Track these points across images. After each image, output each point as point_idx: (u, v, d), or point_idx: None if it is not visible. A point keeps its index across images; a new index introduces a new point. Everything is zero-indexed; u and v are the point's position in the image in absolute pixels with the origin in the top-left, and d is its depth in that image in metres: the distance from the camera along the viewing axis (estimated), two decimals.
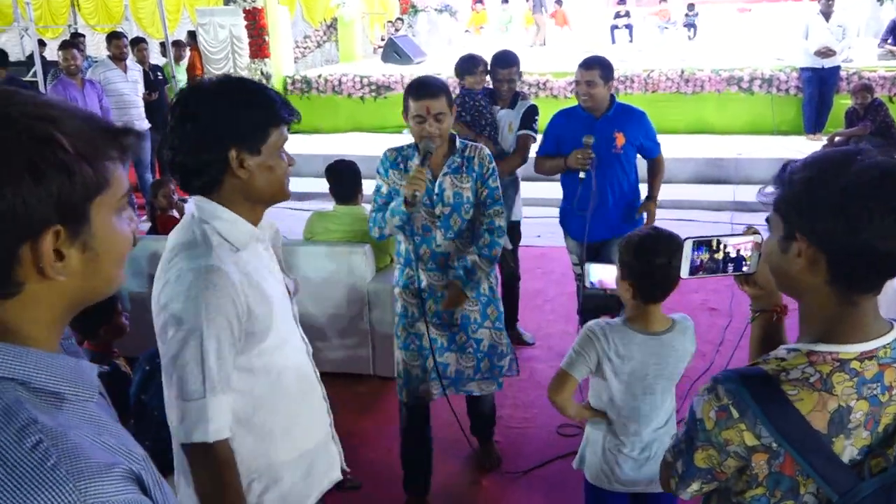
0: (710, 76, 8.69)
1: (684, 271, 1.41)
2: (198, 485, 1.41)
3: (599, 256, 3.47)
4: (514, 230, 4.05)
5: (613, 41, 14.73)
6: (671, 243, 1.90)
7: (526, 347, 4.27)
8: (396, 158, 2.65)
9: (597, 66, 3.42)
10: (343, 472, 1.74)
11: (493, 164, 2.68)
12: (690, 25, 14.74)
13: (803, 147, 7.56)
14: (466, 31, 15.52)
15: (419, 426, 2.88)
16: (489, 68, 4.10)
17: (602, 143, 3.44)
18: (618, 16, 15.12)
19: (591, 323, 2.08)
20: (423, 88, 2.50)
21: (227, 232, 1.45)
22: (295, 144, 9.49)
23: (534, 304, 4.85)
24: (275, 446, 1.52)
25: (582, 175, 3.41)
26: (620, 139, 3.50)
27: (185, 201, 7.57)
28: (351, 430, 2.91)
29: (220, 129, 1.40)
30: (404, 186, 2.46)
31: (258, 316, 1.44)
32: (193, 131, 1.40)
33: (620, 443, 2.10)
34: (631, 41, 14.65)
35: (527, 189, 5.30)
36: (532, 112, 4.03)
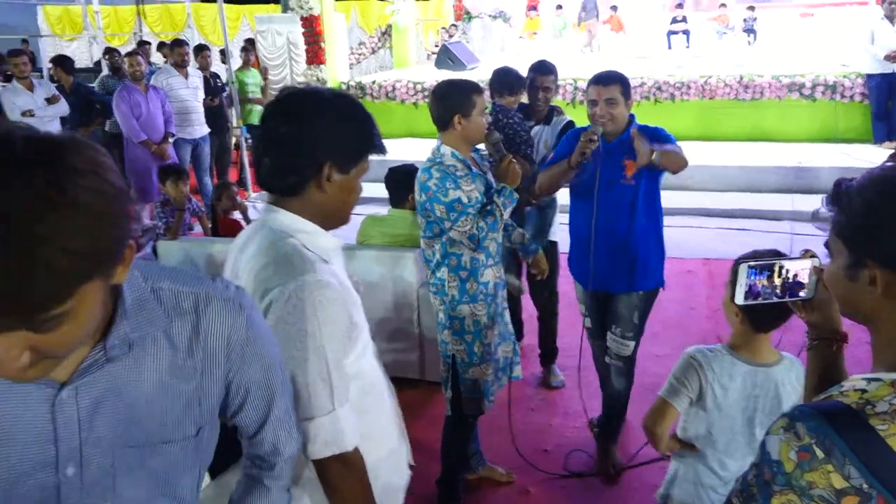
0: (771, 82, 8.48)
1: (739, 297, 1.36)
2: (338, 497, 1.42)
3: (608, 312, 3.11)
4: (551, 252, 3.76)
5: (670, 47, 14.51)
6: None
7: (573, 356, 4.22)
8: (448, 169, 2.59)
9: (617, 82, 2.92)
10: (410, 466, 1.77)
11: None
12: (750, 31, 14.42)
13: (871, 156, 7.31)
14: (520, 37, 15.49)
15: (468, 438, 2.97)
16: (525, 78, 3.77)
17: (609, 170, 2.93)
18: (675, 21, 14.89)
19: (691, 350, 1.96)
20: (480, 85, 2.65)
21: (314, 244, 1.44)
22: None
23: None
24: (372, 445, 1.53)
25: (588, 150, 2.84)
26: (631, 167, 2.88)
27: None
28: None
29: (325, 139, 1.41)
30: (514, 171, 2.63)
31: (356, 323, 1.46)
32: (300, 133, 1.40)
33: (716, 480, 1.96)
34: (688, 47, 14.41)
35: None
36: (569, 128, 3.63)
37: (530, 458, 3.21)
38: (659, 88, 8.81)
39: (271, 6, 16.82)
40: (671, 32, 14.79)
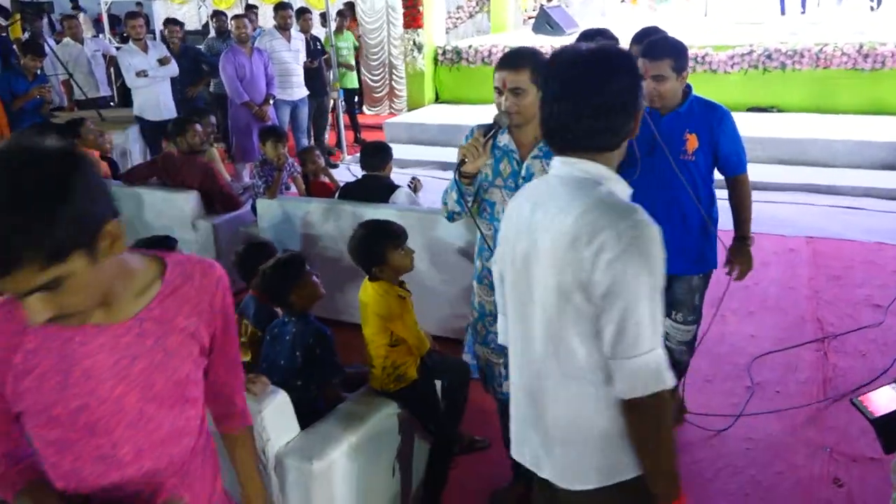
0: (894, 51, 7.88)
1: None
2: (651, 433, 1.45)
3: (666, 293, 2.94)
4: None
5: (783, 12, 13.66)
6: None
7: None
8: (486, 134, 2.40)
9: (667, 56, 2.70)
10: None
11: None
12: None
13: None
14: (622, 1, 14.96)
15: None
16: (618, 44, 3.26)
17: (668, 146, 2.76)
18: None
19: None
20: (505, 59, 2.34)
21: (620, 192, 1.50)
22: (443, 114, 9.63)
23: None
24: None
25: None
26: (693, 142, 2.76)
27: (334, 166, 7.92)
28: (477, 396, 2.96)
29: (636, 94, 1.48)
30: (460, 151, 2.32)
31: None
32: (627, 93, 1.46)
33: None
34: (803, 12, 13.53)
35: None
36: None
37: None
38: (769, 57, 8.34)
39: None
40: None
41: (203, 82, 7.91)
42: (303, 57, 7.54)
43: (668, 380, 1.41)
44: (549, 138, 1.53)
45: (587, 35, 3.49)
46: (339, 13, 9.44)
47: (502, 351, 2.48)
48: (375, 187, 4.23)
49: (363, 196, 4.21)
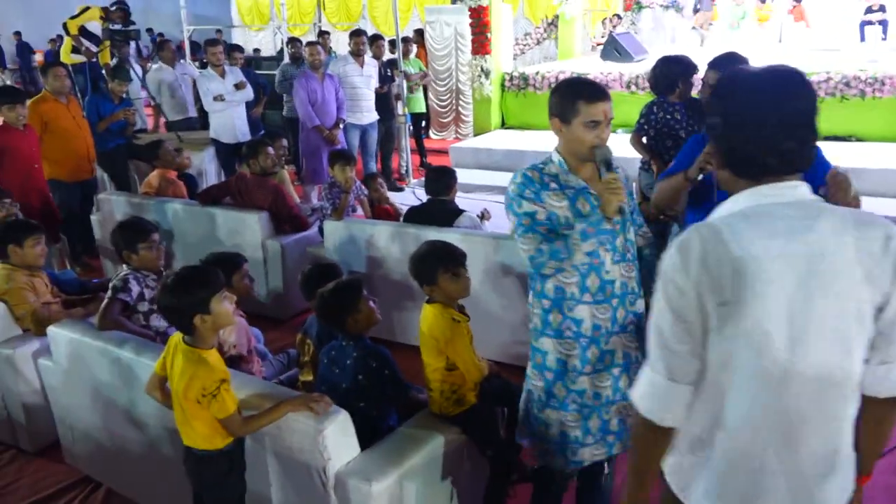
0: None
1: None
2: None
3: None
4: None
5: (863, 39, 13.25)
6: None
7: None
8: (542, 178, 2.27)
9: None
10: None
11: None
12: None
13: None
14: (693, 28, 14.77)
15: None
16: (697, 71, 3.39)
17: None
18: (869, 11, 13.56)
19: None
20: (598, 89, 2.21)
21: None
22: (509, 140, 9.65)
23: None
24: None
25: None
26: None
27: (400, 190, 8.04)
28: None
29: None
30: (607, 196, 2.13)
31: None
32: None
33: None
34: (884, 39, 13.08)
35: None
36: None
37: None
38: (847, 84, 8.08)
39: None
40: (865, 23, 13.48)
41: (261, 104, 8.24)
42: (375, 82, 7.70)
43: None
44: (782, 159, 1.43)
45: (668, 61, 3.47)
46: (405, 40, 9.64)
47: (580, 411, 2.32)
48: (440, 211, 4.27)
49: (427, 220, 4.26)
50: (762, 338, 1.36)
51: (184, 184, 5.86)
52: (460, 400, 2.67)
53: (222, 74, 7.18)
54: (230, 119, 7.16)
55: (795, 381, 1.39)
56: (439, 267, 2.66)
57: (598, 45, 12.67)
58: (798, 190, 1.44)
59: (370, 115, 7.64)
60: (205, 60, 8.26)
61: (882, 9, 13.51)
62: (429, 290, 2.70)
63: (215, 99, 7.03)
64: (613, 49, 10.66)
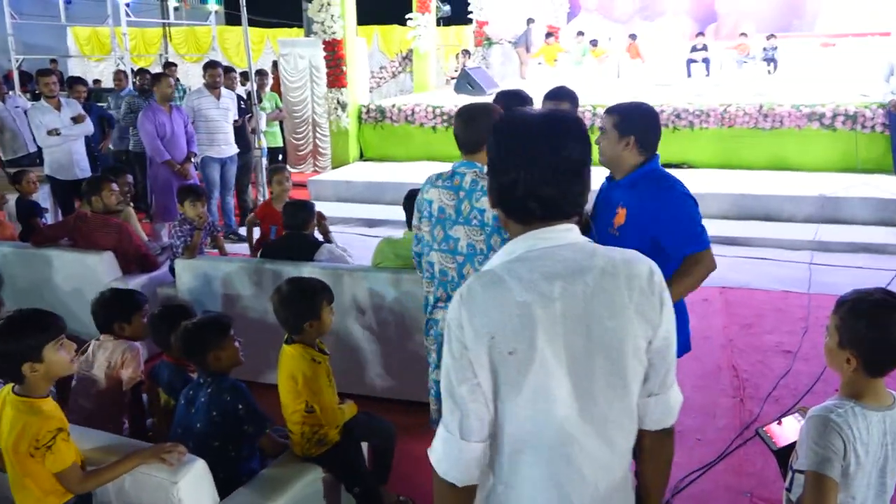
0: (790, 111, 8.45)
1: None
2: (667, 464, 1.59)
3: None
4: None
5: (689, 75, 14.52)
6: None
7: None
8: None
9: (614, 113, 2.58)
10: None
11: None
12: (770, 60, 14.40)
13: (891, 186, 7.25)
14: (539, 63, 15.57)
15: None
16: (532, 104, 3.42)
17: (600, 217, 2.66)
18: (695, 49, 14.90)
19: (819, 411, 1.75)
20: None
21: None
22: (368, 172, 9.68)
23: None
24: None
25: None
26: (620, 216, 2.55)
27: (256, 224, 7.80)
28: (406, 454, 2.92)
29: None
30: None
31: None
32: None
33: None
34: (708, 75, 14.41)
35: None
36: None
37: None
38: (678, 116, 8.81)
39: (294, 30, 17.09)
40: (691, 61, 14.80)
41: (108, 139, 7.82)
42: (233, 115, 7.48)
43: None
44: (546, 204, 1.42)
45: (504, 95, 3.59)
46: (259, 72, 9.48)
47: None
48: (298, 245, 4.19)
49: (285, 254, 4.16)
50: (548, 392, 1.35)
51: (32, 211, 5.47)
52: (322, 440, 2.60)
53: (58, 107, 6.71)
54: (67, 154, 6.69)
55: (580, 431, 1.38)
56: (324, 300, 2.61)
57: (452, 78, 13.05)
58: (571, 233, 1.43)
59: (230, 148, 7.39)
60: (37, 92, 7.70)
61: (704, 48, 14.88)
62: (310, 325, 2.62)
63: (50, 133, 6.55)
64: (466, 83, 11.02)
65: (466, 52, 14.72)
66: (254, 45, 14.24)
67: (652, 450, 1.54)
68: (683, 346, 2.66)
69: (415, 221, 2.75)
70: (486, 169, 2.24)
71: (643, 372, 1.44)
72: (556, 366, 1.34)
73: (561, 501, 1.40)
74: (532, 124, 1.43)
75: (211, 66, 7.39)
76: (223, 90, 7.39)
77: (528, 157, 1.39)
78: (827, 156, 8.37)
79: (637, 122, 2.57)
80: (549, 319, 1.34)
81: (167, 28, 18.74)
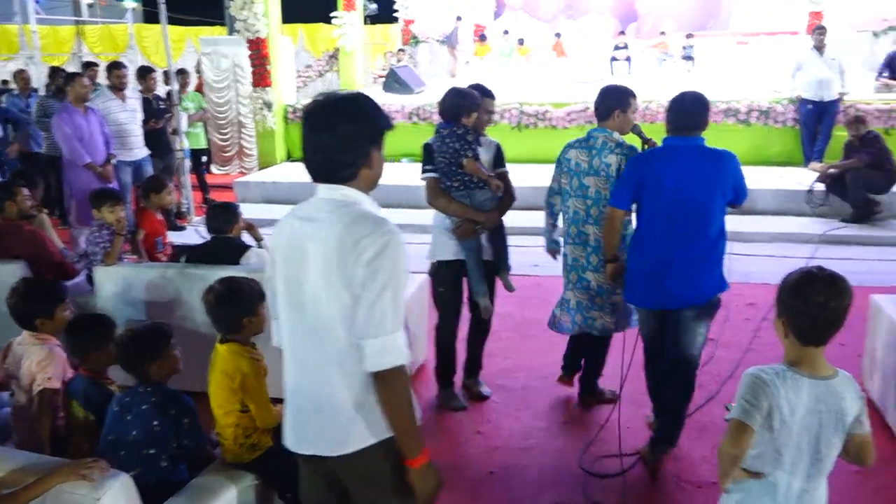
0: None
1: None
2: (394, 401, 1.77)
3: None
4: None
5: (612, 73, 14.88)
6: (831, 283, 1.86)
7: (518, 374, 4.25)
8: None
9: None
10: None
11: None
12: (688, 58, 14.90)
13: (803, 178, 7.60)
14: (466, 62, 15.68)
15: None
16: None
17: None
18: (617, 48, 15.29)
19: (754, 370, 1.92)
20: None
21: (375, 209, 1.84)
22: (296, 173, 9.55)
23: (529, 334, 4.84)
24: None
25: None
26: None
27: (181, 229, 7.60)
28: None
29: (370, 131, 1.82)
30: None
31: None
32: (356, 132, 1.79)
33: (780, 499, 1.94)
34: (630, 73, 14.80)
35: (524, 217, 5.34)
36: (500, 148, 3.80)
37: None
38: None
39: (217, 28, 16.71)
40: (614, 59, 15.18)
41: (15, 142, 7.50)
42: (140, 117, 7.23)
43: (406, 356, 1.75)
44: (310, 169, 1.85)
45: (476, 88, 3.82)
46: (181, 72, 9.22)
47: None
48: (224, 249, 4.09)
49: (212, 259, 4.06)
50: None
51: None
52: (255, 445, 2.56)
53: None
54: None
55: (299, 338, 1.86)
56: (258, 297, 2.59)
57: (380, 77, 12.99)
58: (334, 192, 1.83)
59: (141, 151, 7.16)
60: None
61: (626, 46, 15.28)
62: (248, 321, 2.60)
63: None
64: (394, 81, 11.00)
65: (402, 51, 14.68)
66: (174, 44, 13.82)
67: (377, 390, 1.79)
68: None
69: (554, 174, 3.72)
70: (615, 134, 3.56)
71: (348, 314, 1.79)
72: (278, 290, 1.93)
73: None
74: (316, 108, 1.84)
75: (115, 66, 7.15)
76: (128, 91, 7.15)
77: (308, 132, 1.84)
78: (742, 149, 8.63)
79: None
80: (277, 250, 1.90)
81: (80, 26, 18.00)
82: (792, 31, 14.04)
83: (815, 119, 8.23)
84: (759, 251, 6.46)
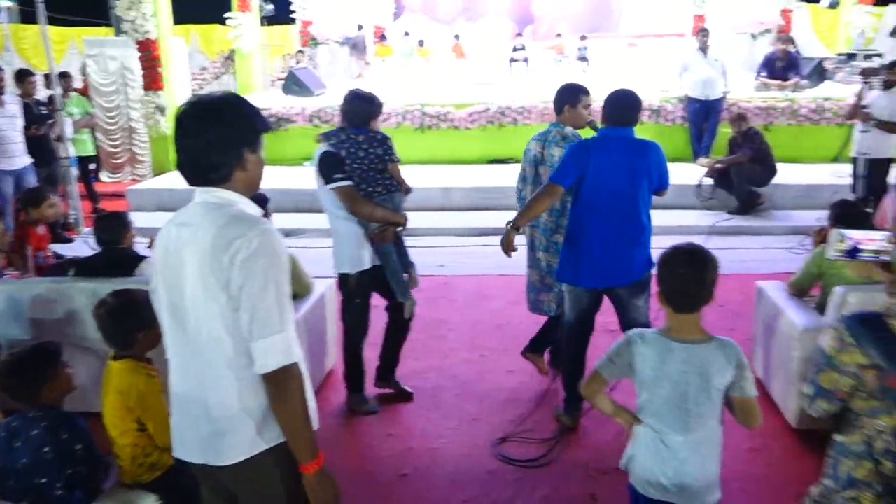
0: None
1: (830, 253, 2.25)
2: (285, 402, 1.72)
3: None
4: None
5: (511, 73, 15.15)
6: (692, 257, 2.07)
7: (428, 375, 4.26)
8: None
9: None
10: None
11: None
12: (583, 59, 15.36)
13: (692, 173, 7.97)
14: (367, 63, 15.59)
15: None
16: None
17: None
18: (515, 49, 15.58)
19: (631, 330, 2.23)
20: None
21: (252, 210, 1.82)
22: None
23: (438, 334, 4.86)
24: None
25: None
26: None
27: (70, 241, 7.21)
28: None
29: (242, 133, 1.79)
30: None
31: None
32: (225, 134, 1.76)
33: (664, 449, 2.14)
34: (528, 73, 15.11)
35: (430, 218, 5.36)
36: (328, 157, 3.63)
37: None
38: (503, 113, 9.17)
39: (103, 29, 15.90)
40: (512, 60, 15.45)
41: None
42: (20, 123, 6.79)
43: (296, 355, 1.73)
44: (183, 173, 1.81)
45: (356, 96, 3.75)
46: (63, 75, 8.73)
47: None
48: (117, 260, 3.89)
49: (104, 272, 3.86)
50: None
51: None
52: (154, 464, 2.45)
53: None
54: None
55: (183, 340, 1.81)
56: (152, 310, 2.44)
57: (279, 79, 12.72)
58: (208, 195, 1.80)
59: (22, 159, 6.73)
60: None
61: (523, 48, 15.59)
62: (144, 335, 2.49)
63: None
64: (294, 84, 10.79)
65: (301, 52, 14.42)
66: (56, 46, 13.07)
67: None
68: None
69: (522, 163, 4.11)
70: (567, 128, 3.87)
71: (227, 314, 1.76)
72: (159, 284, 1.89)
73: None
74: (188, 109, 1.82)
75: None
76: (7, 96, 6.72)
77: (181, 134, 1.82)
78: None
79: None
80: (157, 253, 1.88)
81: None
82: (678, 34, 14.71)
83: (702, 117, 8.67)
84: (659, 244, 6.70)
